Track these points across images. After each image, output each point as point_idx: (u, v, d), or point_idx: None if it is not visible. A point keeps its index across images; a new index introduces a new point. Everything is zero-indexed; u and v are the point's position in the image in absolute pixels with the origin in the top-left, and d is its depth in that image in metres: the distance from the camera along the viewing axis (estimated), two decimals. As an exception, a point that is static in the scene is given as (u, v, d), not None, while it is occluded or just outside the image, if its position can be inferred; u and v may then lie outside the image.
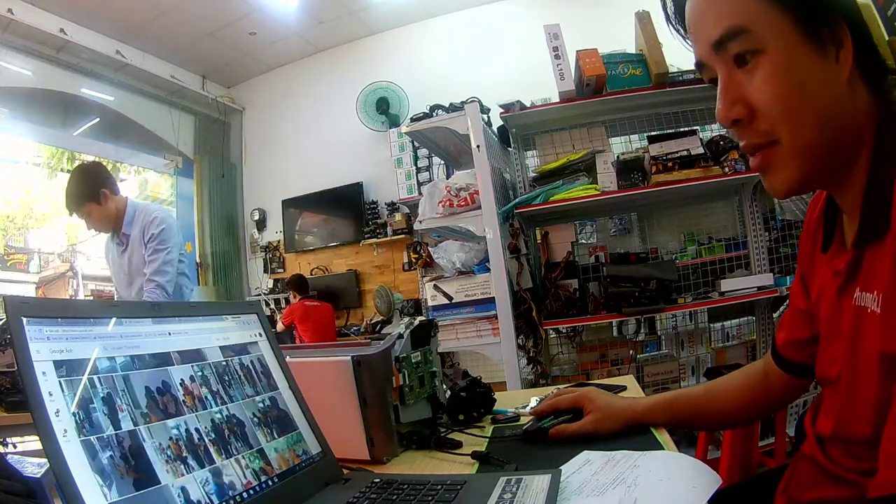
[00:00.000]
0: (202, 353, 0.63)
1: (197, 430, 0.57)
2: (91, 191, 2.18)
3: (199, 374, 0.61)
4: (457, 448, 0.82)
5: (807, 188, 0.56)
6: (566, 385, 1.15)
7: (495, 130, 2.58)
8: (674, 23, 0.63)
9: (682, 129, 2.39)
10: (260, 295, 5.30)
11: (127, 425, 0.50)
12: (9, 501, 0.55)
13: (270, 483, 0.60)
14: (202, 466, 0.54)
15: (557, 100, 2.40)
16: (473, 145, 2.21)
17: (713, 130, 2.61)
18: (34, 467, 0.61)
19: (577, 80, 2.36)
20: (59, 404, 0.46)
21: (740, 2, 0.52)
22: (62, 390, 0.47)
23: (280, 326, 4.55)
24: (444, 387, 1.00)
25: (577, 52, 2.33)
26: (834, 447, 0.64)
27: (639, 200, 2.55)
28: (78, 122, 4.94)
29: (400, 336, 0.89)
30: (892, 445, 0.42)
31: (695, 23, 0.57)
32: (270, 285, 5.43)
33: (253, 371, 0.69)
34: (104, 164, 2.74)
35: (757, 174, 0.57)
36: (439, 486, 0.61)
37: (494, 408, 1.02)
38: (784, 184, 0.55)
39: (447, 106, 2.38)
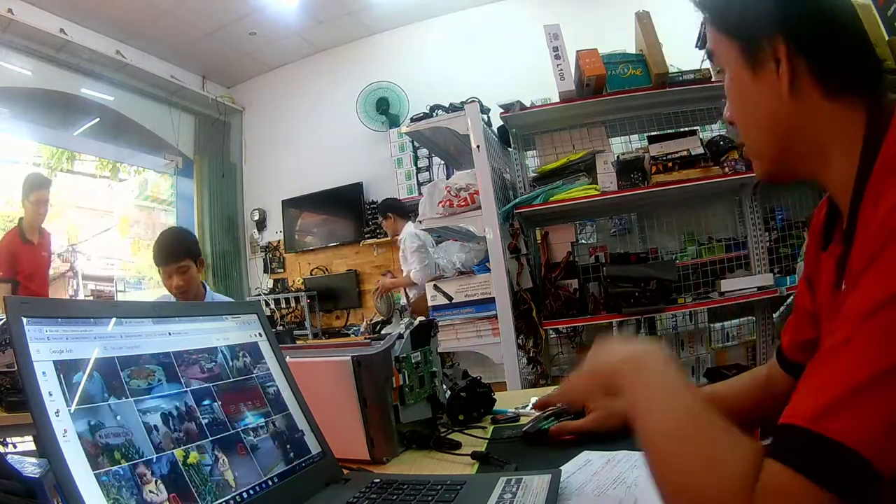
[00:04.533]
0: (202, 353, 0.63)
1: (198, 429, 0.57)
2: (196, 251, 2.11)
3: (199, 374, 0.61)
4: (456, 448, 0.82)
5: (776, 180, 0.65)
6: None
7: (495, 130, 2.58)
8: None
9: (682, 129, 2.39)
10: (260, 295, 5.30)
11: (127, 425, 0.50)
12: (9, 501, 0.55)
13: (270, 483, 0.60)
14: (203, 467, 0.54)
15: (557, 100, 2.40)
16: (473, 145, 2.21)
17: (713, 130, 2.61)
18: (34, 467, 0.61)
19: (577, 80, 2.36)
20: (59, 404, 0.46)
21: (710, 33, 0.63)
22: (62, 390, 0.47)
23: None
24: (444, 387, 1.00)
25: (577, 52, 2.33)
26: None
27: (639, 200, 2.55)
28: (78, 122, 4.94)
29: (400, 336, 0.89)
30: (806, 381, 0.45)
31: None
32: (270, 285, 5.43)
33: (253, 371, 0.69)
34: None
35: (755, 175, 0.68)
36: (439, 486, 0.61)
37: (494, 408, 1.02)
38: (757, 173, 0.65)
39: (447, 106, 2.39)
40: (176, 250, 2.04)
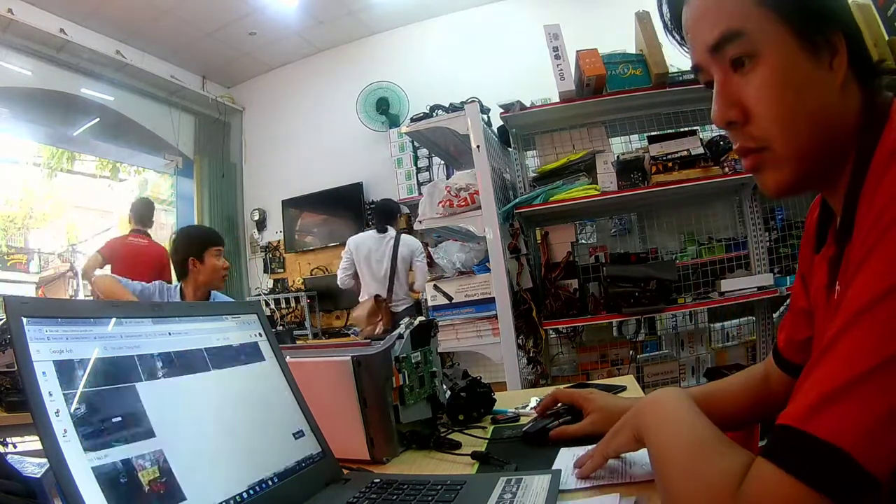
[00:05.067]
0: (202, 353, 0.63)
1: (198, 430, 0.57)
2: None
3: (200, 374, 0.61)
4: (456, 448, 0.82)
5: (798, 190, 0.57)
6: (566, 385, 1.15)
7: (495, 130, 2.58)
8: (671, 28, 0.64)
9: (682, 129, 2.39)
10: (260, 295, 5.30)
11: (127, 425, 0.50)
12: (9, 501, 0.55)
13: (271, 483, 0.60)
14: (202, 467, 0.54)
15: (557, 100, 2.40)
16: (473, 145, 2.21)
17: (713, 130, 2.60)
18: (34, 467, 0.61)
19: (577, 80, 2.36)
20: (59, 404, 0.46)
21: (738, 7, 0.53)
22: (62, 390, 0.47)
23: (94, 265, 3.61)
24: (444, 387, 1.00)
25: (577, 52, 2.33)
26: None
27: (639, 200, 2.55)
28: (78, 122, 4.94)
29: (400, 336, 0.89)
30: (802, 383, 0.44)
31: (692, 27, 0.58)
32: (270, 285, 5.43)
33: (253, 371, 0.69)
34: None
35: (772, 187, 0.58)
36: (439, 486, 0.61)
37: (494, 408, 1.02)
38: (776, 185, 0.57)
39: (447, 106, 2.39)
40: (220, 235, 2.25)
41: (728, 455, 0.46)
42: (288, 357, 0.76)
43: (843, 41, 0.53)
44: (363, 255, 3.83)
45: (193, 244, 2.17)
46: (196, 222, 5.41)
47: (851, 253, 0.48)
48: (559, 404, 0.89)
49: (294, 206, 5.39)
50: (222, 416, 0.60)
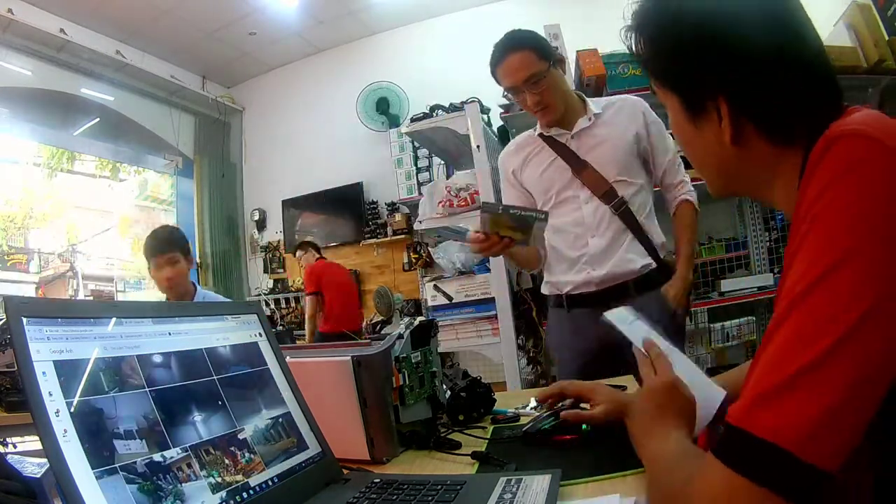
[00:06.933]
0: (202, 353, 0.63)
1: (198, 430, 0.57)
2: (185, 246, 2.14)
3: (200, 374, 0.61)
4: (456, 448, 0.82)
5: (727, 197, 0.73)
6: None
7: (495, 130, 2.58)
8: None
9: (682, 130, 2.39)
10: (260, 295, 5.30)
11: (127, 426, 0.50)
12: (9, 501, 0.55)
13: (271, 483, 0.60)
14: (203, 468, 0.54)
15: (557, 100, 2.40)
16: (473, 145, 2.21)
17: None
18: (34, 467, 0.61)
19: (577, 80, 2.36)
20: (59, 404, 0.46)
21: (653, 83, 0.67)
22: (62, 390, 0.47)
23: (309, 308, 4.16)
24: (444, 387, 1.00)
25: (577, 52, 2.34)
26: None
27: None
28: (78, 122, 4.94)
29: (400, 336, 0.89)
30: (748, 379, 0.46)
31: None
32: (270, 285, 5.43)
33: (253, 372, 0.69)
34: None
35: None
36: (439, 486, 0.61)
37: (494, 408, 1.02)
38: (710, 192, 0.70)
39: (447, 106, 2.39)
40: (166, 242, 2.11)
41: (692, 467, 0.50)
42: (288, 357, 0.76)
43: (725, 107, 0.57)
44: None
45: (144, 253, 2.11)
46: (196, 222, 5.41)
47: (787, 249, 0.51)
48: (562, 402, 0.89)
49: (294, 206, 5.39)
50: (222, 415, 0.60)
